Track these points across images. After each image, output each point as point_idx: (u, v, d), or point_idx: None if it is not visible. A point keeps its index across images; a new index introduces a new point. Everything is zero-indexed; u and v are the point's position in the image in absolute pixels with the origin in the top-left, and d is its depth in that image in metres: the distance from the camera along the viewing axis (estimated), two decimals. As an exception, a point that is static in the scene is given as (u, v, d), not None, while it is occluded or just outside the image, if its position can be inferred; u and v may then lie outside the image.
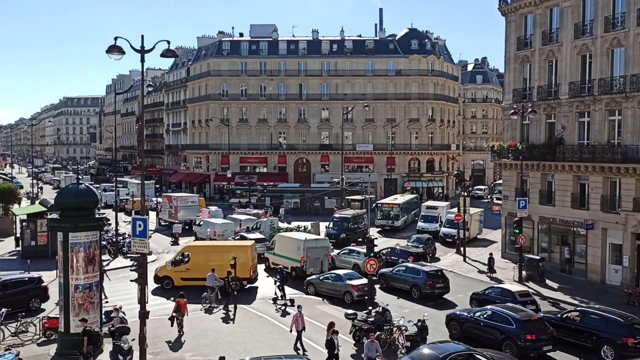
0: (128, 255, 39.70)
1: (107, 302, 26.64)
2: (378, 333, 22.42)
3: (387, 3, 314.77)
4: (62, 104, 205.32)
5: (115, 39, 18.97)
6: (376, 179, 77.31)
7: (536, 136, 38.19)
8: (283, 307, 28.71)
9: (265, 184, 73.05)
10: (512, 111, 35.79)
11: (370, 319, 23.39)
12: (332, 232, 46.76)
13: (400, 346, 22.25)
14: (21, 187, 78.32)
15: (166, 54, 19.83)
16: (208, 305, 28.55)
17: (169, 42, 19.72)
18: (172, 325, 24.34)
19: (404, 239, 46.60)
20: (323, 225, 49.41)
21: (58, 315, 22.18)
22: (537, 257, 35.57)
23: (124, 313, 23.75)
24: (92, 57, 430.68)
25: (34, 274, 29.32)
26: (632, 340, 21.35)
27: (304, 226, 47.35)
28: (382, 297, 29.19)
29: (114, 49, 18.93)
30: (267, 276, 35.71)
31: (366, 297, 26.70)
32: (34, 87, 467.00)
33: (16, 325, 23.50)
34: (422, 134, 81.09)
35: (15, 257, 41.08)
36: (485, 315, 23.46)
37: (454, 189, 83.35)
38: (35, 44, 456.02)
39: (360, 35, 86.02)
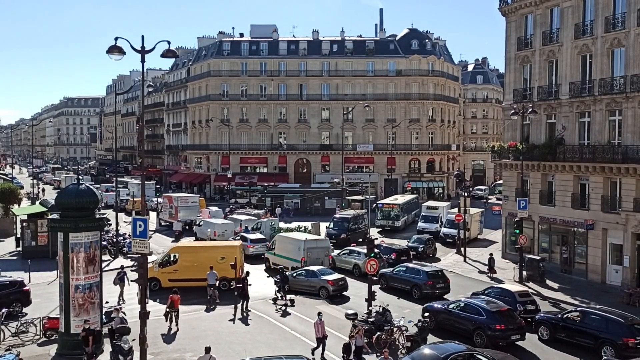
0: (128, 255, 39.72)
1: (107, 302, 26.62)
2: (378, 333, 22.45)
3: (388, 3, 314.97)
4: (62, 104, 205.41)
5: (116, 39, 18.98)
6: (376, 179, 77.32)
7: (536, 136, 38.18)
8: (283, 308, 28.71)
9: (265, 184, 73.02)
10: (512, 111, 35.77)
11: (371, 319, 23.40)
12: (333, 233, 46.76)
13: (400, 346, 22.25)
14: (21, 187, 78.37)
15: (166, 54, 19.83)
16: (213, 300, 29.22)
17: (169, 43, 19.73)
18: (166, 321, 25.15)
19: (404, 239, 46.61)
20: (323, 226, 49.41)
21: (58, 316, 22.17)
22: (538, 258, 35.55)
23: (124, 313, 23.79)
24: (93, 57, 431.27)
25: (17, 277, 28.84)
26: (632, 340, 21.34)
27: (305, 226, 47.35)
28: (382, 297, 29.17)
29: (115, 49, 18.94)
30: (268, 276, 35.69)
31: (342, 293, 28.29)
32: (35, 87, 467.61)
33: (16, 325, 23.50)
34: (423, 134, 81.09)
35: (15, 258, 41.10)
36: (458, 307, 24.54)
37: (454, 189, 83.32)
38: (36, 44, 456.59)
39: (360, 36, 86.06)
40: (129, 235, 40.48)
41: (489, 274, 35.81)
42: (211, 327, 25.38)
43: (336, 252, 39.23)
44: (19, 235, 43.39)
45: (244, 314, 27.57)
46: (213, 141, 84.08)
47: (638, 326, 22.07)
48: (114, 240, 42.61)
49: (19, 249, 42.31)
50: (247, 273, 29.91)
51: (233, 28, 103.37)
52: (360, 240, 43.37)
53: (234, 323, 26.26)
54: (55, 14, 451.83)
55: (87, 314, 21.25)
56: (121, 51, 19.02)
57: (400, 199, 58.71)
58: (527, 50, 38.89)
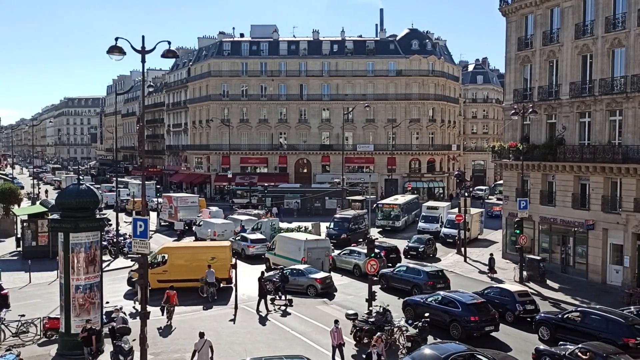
0: (129, 255, 39.73)
1: (107, 302, 26.63)
2: (379, 334, 22.44)
3: (388, 3, 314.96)
4: (62, 105, 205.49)
5: (116, 39, 18.98)
6: (377, 179, 77.28)
7: (537, 136, 38.18)
8: (283, 307, 28.71)
9: (266, 184, 73.04)
10: (512, 111, 35.78)
11: (371, 320, 23.39)
12: (333, 233, 46.75)
13: (401, 346, 22.24)
14: (22, 187, 78.39)
15: (167, 54, 19.83)
16: (212, 297, 29.72)
17: (169, 43, 19.74)
18: (162, 314, 25.96)
19: (404, 239, 46.60)
20: (324, 226, 49.41)
21: (59, 316, 22.17)
22: (538, 258, 35.54)
23: (124, 313, 23.79)
24: (93, 57, 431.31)
25: None
26: (632, 340, 21.34)
27: (305, 226, 47.35)
28: (383, 298, 29.18)
29: (115, 50, 18.94)
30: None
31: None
32: (35, 87, 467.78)
33: (17, 325, 23.51)
34: (423, 135, 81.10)
35: (16, 258, 41.12)
36: (436, 300, 25.59)
37: (454, 190, 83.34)
38: (36, 44, 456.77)
39: (360, 36, 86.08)
40: (130, 235, 40.53)
41: (489, 274, 35.81)
42: (211, 327, 25.35)
43: (336, 252, 39.25)
44: (19, 236, 43.39)
45: (261, 313, 27.74)
46: (213, 141, 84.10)
47: (638, 326, 22.06)
48: (115, 240, 42.62)
49: (20, 249, 42.32)
50: (263, 273, 30.16)
51: (233, 28, 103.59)
52: (361, 240, 43.38)
53: (234, 323, 26.26)
54: (55, 14, 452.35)
55: (87, 314, 21.25)
56: (121, 51, 19.03)
57: (401, 199, 58.72)
58: (528, 51, 38.89)
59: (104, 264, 30.67)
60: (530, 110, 35.00)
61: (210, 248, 33.43)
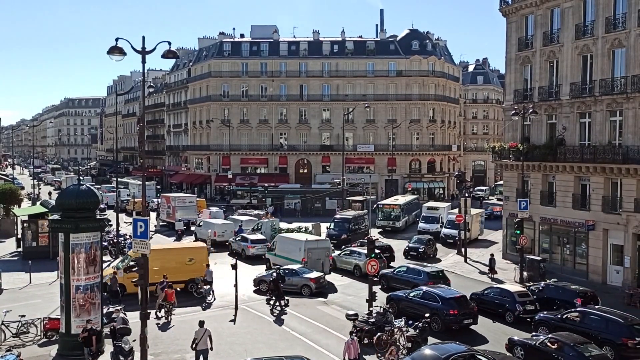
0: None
1: (108, 302, 26.69)
2: (379, 334, 22.45)
3: (388, 4, 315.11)
4: (63, 105, 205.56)
5: (117, 40, 19.01)
6: (377, 179, 77.31)
7: (537, 137, 38.19)
8: (279, 308, 28.70)
9: (266, 184, 73.08)
10: (513, 112, 35.78)
11: (372, 320, 23.39)
12: (333, 233, 46.75)
13: (401, 347, 22.22)
14: (22, 188, 78.40)
15: (167, 55, 19.86)
16: (202, 296, 30.12)
17: (169, 43, 19.77)
18: (159, 311, 26.58)
19: (405, 239, 46.59)
20: (324, 226, 49.40)
21: (59, 316, 22.18)
22: (538, 258, 35.55)
23: (124, 314, 23.79)
24: (93, 58, 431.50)
25: None
26: (632, 340, 21.39)
27: (305, 227, 47.36)
28: (383, 298, 29.15)
29: (115, 50, 18.96)
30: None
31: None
32: (35, 88, 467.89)
33: (17, 326, 23.52)
34: (423, 135, 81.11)
35: (16, 258, 41.14)
36: (417, 295, 26.58)
37: (454, 190, 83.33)
38: (36, 44, 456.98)
39: (361, 36, 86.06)
40: (130, 235, 40.53)
41: (489, 275, 35.81)
42: (212, 328, 25.21)
43: (337, 252, 39.26)
44: (19, 236, 43.41)
45: (276, 312, 27.83)
46: (214, 142, 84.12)
47: (637, 327, 22.11)
48: (115, 240, 42.63)
49: (20, 249, 42.34)
50: (279, 273, 30.25)
51: (234, 29, 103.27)
52: (359, 241, 43.38)
53: (234, 323, 26.26)
54: (55, 15, 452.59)
55: (87, 315, 21.25)
56: (122, 52, 19.05)
57: (401, 199, 58.72)
58: (528, 51, 38.90)
59: (105, 265, 30.66)
60: (531, 110, 35.01)
61: (187, 249, 33.04)
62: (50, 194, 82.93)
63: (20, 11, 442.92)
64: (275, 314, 27.75)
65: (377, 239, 41.51)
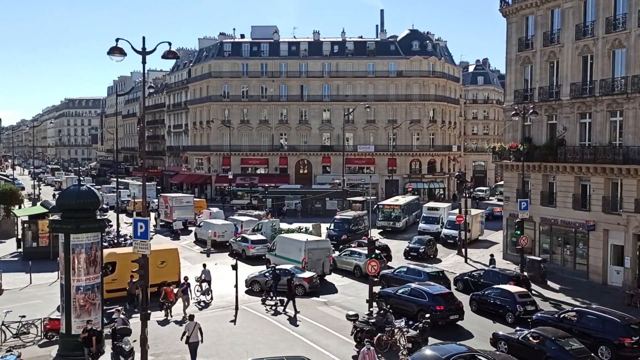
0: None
1: (107, 303, 26.65)
2: (379, 334, 22.45)
3: (388, 4, 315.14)
4: (63, 106, 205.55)
5: (117, 40, 19.03)
6: (377, 180, 77.32)
7: (537, 137, 38.17)
8: (274, 307, 28.67)
9: (266, 185, 73.10)
10: (513, 112, 35.78)
11: (372, 321, 23.39)
12: (333, 234, 46.74)
13: (401, 347, 22.23)
14: (23, 188, 78.39)
15: (167, 55, 19.88)
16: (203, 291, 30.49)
17: (170, 44, 19.79)
18: (161, 310, 26.86)
19: (405, 240, 46.59)
20: (324, 227, 49.40)
21: (59, 317, 22.18)
22: (539, 258, 35.52)
23: (125, 314, 23.79)
24: (94, 58, 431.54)
25: None
26: (628, 340, 21.44)
27: (305, 227, 47.35)
28: (383, 299, 29.17)
29: (116, 51, 18.98)
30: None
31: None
32: (36, 88, 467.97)
33: (17, 326, 23.53)
34: (423, 135, 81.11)
35: (16, 259, 41.16)
36: (406, 292, 27.30)
37: (454, 190, 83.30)
38: (37, 45, 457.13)
39: (361, 37, 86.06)
40: (130, 236, 40.53)
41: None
42: (212, 328, 25.38)
43: (337, 253, 39.25)
44: (20, 237, 43.42)
45: (289, 313, 27.82)
46: (214, 142, 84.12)
47: (634, 326, 22.15)
48: (115, 241, 42.61)
49: (20, 250, 42.35)
50: (292, 275, 30.26)
51: (234, 29, 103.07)
52: (360, 241, 43.36)
53: (234, 324, 26.26)
54: (56, 15, 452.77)
55: (88, 315, 21.25)
56: (122, 52, 19.07)
57: (401, 200, 58.72)
58: (528, 51, 38.89)
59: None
60: (531, 111, 35.00)
61: (160, 252, 31.63)
62: (54, 196, 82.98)
63: (20, 11, 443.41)
64: (288, 315, 27.75)
65: (377, 240, 41.51)
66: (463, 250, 41.87)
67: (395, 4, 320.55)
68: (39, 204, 60.06)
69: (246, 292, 32.02)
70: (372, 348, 19.79)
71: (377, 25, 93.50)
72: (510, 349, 21.70)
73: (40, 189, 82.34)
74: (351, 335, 23.67)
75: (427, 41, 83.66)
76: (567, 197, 36.03)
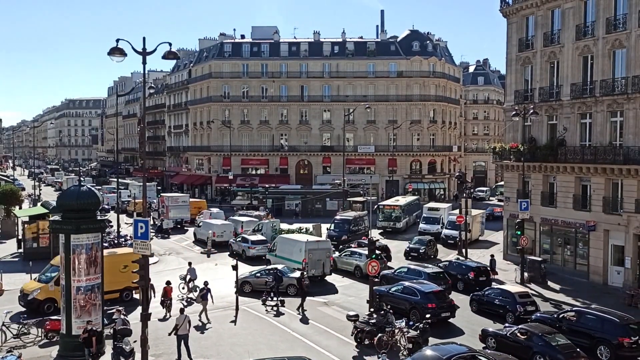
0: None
1: (108, 304, 26.65)
2: (380, 335, 22.45)
3: (389, 5, 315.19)
4: (64, 106, 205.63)
5: (117, 41, 19.05)
6: (378, 180, 77.32)
7: (538, 138, 38.17)
8: (275, 308, 28.66)
9: (267, 185, 73.11)
10: (513, 112, 35.78)
11: (372, 321, 23.39)
12: (334, 234, 46.73)
13: (402, 348, 22.23)
14: (23, 189, 78.38)
15: (168, 55, 19.89)
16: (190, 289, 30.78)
17: (170, 44, 19.80)
18: (163, 308, 27.32)
19: (405, 240, 46.58)
20: (324, 227, 49.39)
21: (60, 317, 22.18)
22: (539, 259, 35.52)
23: (125, 315, 23.78)
24: (94, 59, 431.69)
25: None
26: (627, 340, 21.45)
27: (306, 228, 47.35)
28: (383, 299, 29.17)
29: (116, 51, 19.00)
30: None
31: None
32: (36, 89, 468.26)
33: (18, 327, 23.53)
34: (424, 136, 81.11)
35: (17, 259, 41.14)
36: (398, 290, 27.79)
37: (454, 191, 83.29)
38: (37, 46, 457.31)
39: (361, 37, 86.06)
40: (131, 236, 40.53)
41: (490, 276, 35.72)
42: (213, 328, 25.39)
43: (337, 253, 39.24)
44: (20, 237, 43.42)
45: (302, 312, 27.92)
46: (214, 143, 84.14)
47: (633, 326, 22.16)
48: (116, 241, 42.64)
49: (21, 250, 42.35)
50: (303, 274, 30.22)
51: (234, 29, 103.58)
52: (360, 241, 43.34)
53: (235, 324, 26.25)
54: (56, 16, 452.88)
55: (88, 316, 21.25)
56: (122, 53, 19.08)
57: (402, 200, 58.71)
58: (528, 52, 38.88)
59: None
60: (531, 111, 35.00)
61: (120, 256, 30.36)
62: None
63: (20, 12, 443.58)
64: (299, 314, 27.84)
65: (377, 240, 41.50)
66: (463, 250, 41.87)
67: (395, 5, 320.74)
68: (39, 204, 60.06)
69: (236, 292, 31.88)
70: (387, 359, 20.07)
71: (377, 26, 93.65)
72: (499, 345, 22.17)
73: (40, 190, 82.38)
74: (351, 335, 23.66)
75: (428, 41, 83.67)
76: (568, 197, 36.02)
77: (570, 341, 21.44)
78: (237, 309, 28.03)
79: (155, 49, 19.52)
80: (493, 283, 32.32)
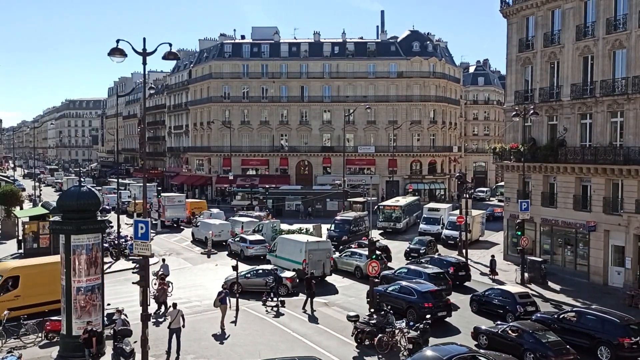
0: (130, 257, 39.73)
1: (108, 304, 26.62)
2: (380, 335, 22.44)
3: (389, 5, 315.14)
4: (64, 107, 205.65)
5: (117, 41, 19.04)
6: (378, 181, 77.28)
7: (538, 138, 38.16)
8: (276, 308, 28.65)
9: (267, 186, 73.12)
10: (514, 113, 35.79)
11: (372, 322, 23.38)
12: (334, 235, 46.72)
13: (402, 348, 22.23)
14: (23, 189, 78.40)
15: (168, 56, 19.88)
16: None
17: (170, 45, 19.80)
18: (159, 308, 27.83)
19: (405, 241, 46.57)
20: (325, 228, 49.37)
21: (60, 318, 22.18)
22: (539, 259, 35.50)
23: (126, 315, 23.76)
24: (94, 59, 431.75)
25: None
26: (628, 340, 21.46)
27: (306, 228, 47.34)
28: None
29: (116, 52, 19.00)
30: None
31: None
32: (37, 89, 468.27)
33: (18, 327, 23.50)
34: (424, 136, 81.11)
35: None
36: (395, 289, 27.93)
37: (455, 191, 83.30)
38: (38, 46, 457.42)
39: (361, 38, 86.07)
40: (131, 237, 40.55)
41: (490, 276, 35.77)
42: (213, 329, 25.36)
43: (337, 254, 39.23)
44: (20, 237, 43.42)
45: (310, 312, 28.01)
46: (214, 143, 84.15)
47: (634, 326, 22.17)
48: (116, 242, 42.66)
49: (21, 251, 42.35)
50: (312, 273, 30.27)
51: (234, 30, 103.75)
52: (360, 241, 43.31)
53: (235, 325, 26.24)
54: (57, 17, 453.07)
55: (88, 316, 21.24)
56: (123, 53, 19.08)
57: (402, 200, 58.70)
58: (529, 52, 38.88)
59: (106, 266, 30.64)
60: (532, 111, 34.99)
61: (47, 266, 27.36)
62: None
63: (21, 12, 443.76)
64: (307, 313, 27.93)
65: (377, 240, 41.51)
66: (464, 251, 41.83)
67: (395, 5, 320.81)
68: (39, 204, 60.06)
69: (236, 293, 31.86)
70: None
71: (377, 26, 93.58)
72: (491, 342, 22.46)
73: (41, 190, 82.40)
74: (352, 336, 23.66)
75: (428, 42, 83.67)
76: (568, 197, 36.02)
77: (570, 341, 21.44)
78: (237, 309, 28.03)
79: (155, 50, 19.53)
80: (493, 283, 32.31)
